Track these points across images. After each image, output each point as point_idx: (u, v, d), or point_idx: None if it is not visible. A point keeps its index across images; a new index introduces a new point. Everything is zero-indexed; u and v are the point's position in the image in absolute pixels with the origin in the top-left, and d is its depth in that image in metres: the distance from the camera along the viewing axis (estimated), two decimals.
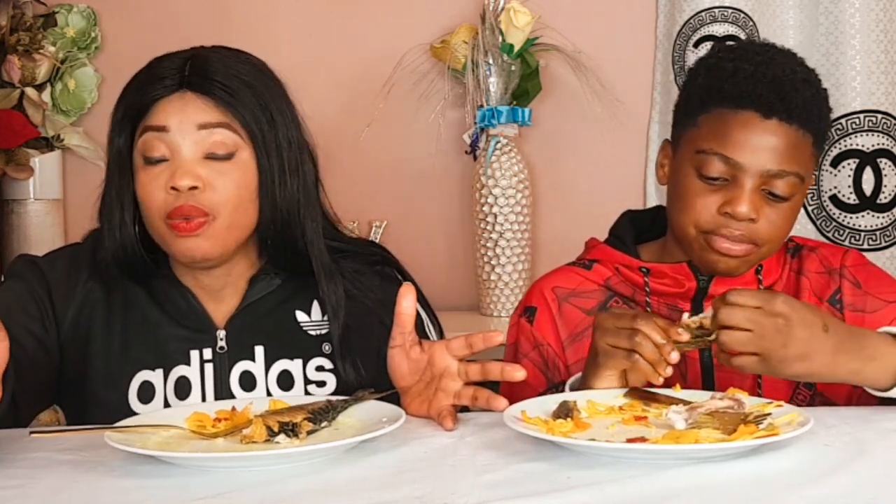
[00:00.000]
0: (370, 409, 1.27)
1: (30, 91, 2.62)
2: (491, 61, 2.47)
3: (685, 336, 1.26)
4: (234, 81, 1.39)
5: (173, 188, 1.35)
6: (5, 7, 2.58)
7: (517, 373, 1.27)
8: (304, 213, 1.44)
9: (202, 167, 1.37)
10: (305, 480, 1.06)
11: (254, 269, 1.48)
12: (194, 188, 1.35)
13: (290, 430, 1.17)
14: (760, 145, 1.39)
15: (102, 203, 1.44)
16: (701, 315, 1.29)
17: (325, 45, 2.73)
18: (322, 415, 1.22)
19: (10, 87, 2.61)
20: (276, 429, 1.16)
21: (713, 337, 1.27)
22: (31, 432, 1.19)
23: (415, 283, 1.54)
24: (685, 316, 1.30)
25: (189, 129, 1.37)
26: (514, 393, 1.47)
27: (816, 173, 2.62)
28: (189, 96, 1.38)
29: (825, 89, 1.47)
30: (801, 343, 1.23)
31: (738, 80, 1.41)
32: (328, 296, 1.45)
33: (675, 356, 1.25)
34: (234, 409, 1.26)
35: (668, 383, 1.30)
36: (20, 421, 1.33)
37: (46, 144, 2.65)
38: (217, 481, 1.06)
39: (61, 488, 1.06)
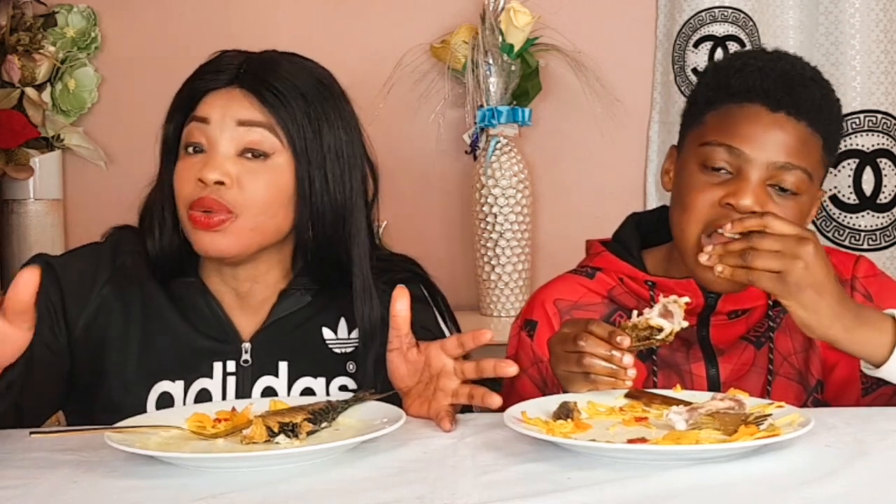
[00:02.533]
0: (370, 409, 1.27)
1: (30, 91, 2.61)
2: (491, 61, 2.47)
3: (626, 342, 1.22)
4: (285, 85, 1.39)
5: (201, 180, 1.35)
6: (5, 7, 2.58)
7: (509, 368, 1.27)
8: (350, 228, 1.42)
9: (234, 164, 1.36)
10: (305, 481, 1.06)
11: (285, 282, 1.46)
12: (220, 183, 1.35)
13: (291, 430, 1.17)
14: (767, 137, 1.35)
15: (151, 195, 1.44)
16: (646, 315, 1.26)
17: (325, 45, 2.72)
18: (322, 415, 1.22)
19: (10, 87, 2.61)
20: (276, 429, 1.16)
21: (663, 335, 1.25)
22: (31, 432, 1.19)
23: (443, 300, 1.53)
24: (634, 314, 1.27)
25: (229, 123, 1.37)
26: (512, 405, 1.47)
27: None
28: (236, 92, 1.38)
29: (837, 98, 1.44)
30: (819, 273, 1.22)
31: (746, 75, 1.39)
32: (362, 319, 1.43)
33: (627, 360, 1.22)
34: (234, 409, 1.26)
35: (668, 384, 1.30)
36: (23, 425, 1.32)
37: (46, 144, 2.65)
38: (217, 481, 1.06)
39: (61, 488, 1.06)
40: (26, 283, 1.05)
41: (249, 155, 1.37)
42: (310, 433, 1.18)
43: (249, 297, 1.44)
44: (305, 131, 1.39)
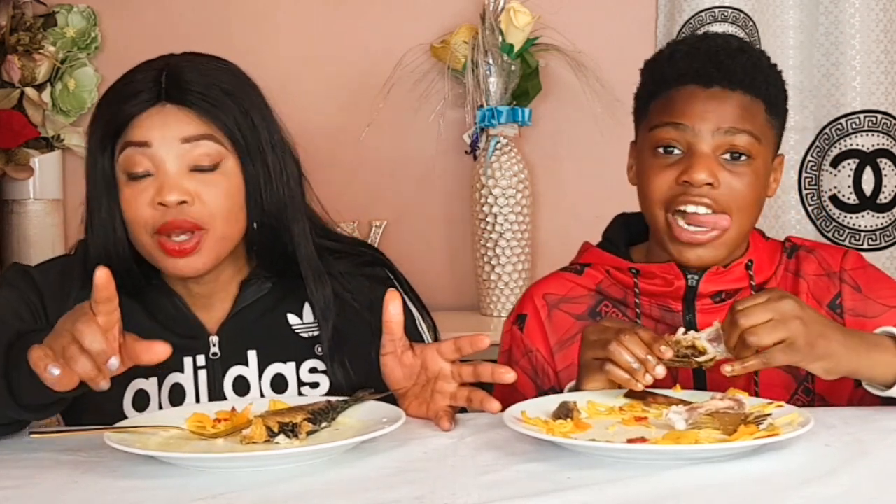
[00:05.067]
0: (370, 409, 1.27)
1: (30, 91, 2.62)
2: (491, 61, 2.48)
3: (668, 354, 1.23)
4: (213, 90, 1.38)
5: (161, 203, 1.34)
6: (5, 7, 2.58)
7: (507, 375, 1.27)
8: (291, 215, 1.43)
9: (188, 180, 1.35)
10: (305, 480, 1.06)
11: (243, 274, 1.47)
12: (183, 202, 1.34)
13: (290, 430, 1.17)
14: (707, 110, 1.40)
15: (90, 221, 1.42)
16: (694, 334, 1.26)
17: (325, 45, 2.73)
18: (322, 415, 1.22)
19: (10, 87, 2.61)
20: (275, 429, 1.16)
21: (704, 359, 1.25)
22: (31, 432, 1.19)
23: (406, 283, 1.54)
24: (680, 331, 1.28)
25: (172, 143, 1.35)
26: (506, 398, 1.47)
27: (815, 171, 2.62)
28: (168, 109, 1.36)
29: (770, 59, 1.48)
30: (816, 324, 1.24)
31: (676, 61, 1.45)
32: (316, 298, 1.44)
33: (660, 370, 1.23)
34: (233, 409, 1.26)
35: (666, 384, 1.30)
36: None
37: (46, 144, 2.65)
38: (217, 481, 1.06)
39: (61, 488, 1.06)
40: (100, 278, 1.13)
41: (199, 168, 1.36)
42: (310, 433, 1.18)
43: (211, 294, 1.45)
44: (244, 129, 1.39)
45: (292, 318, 1.47)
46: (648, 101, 1.47)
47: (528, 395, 1.49)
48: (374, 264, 1.53)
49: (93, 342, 1.09)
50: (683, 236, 1.40)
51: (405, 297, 1.52)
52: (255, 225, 1.41)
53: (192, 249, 1.35)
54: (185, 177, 1.35)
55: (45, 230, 2.61)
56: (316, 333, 1.46)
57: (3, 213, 2.62)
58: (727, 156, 1.40)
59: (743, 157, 1.41)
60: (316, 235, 1.48)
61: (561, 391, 1.44)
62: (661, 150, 1.42)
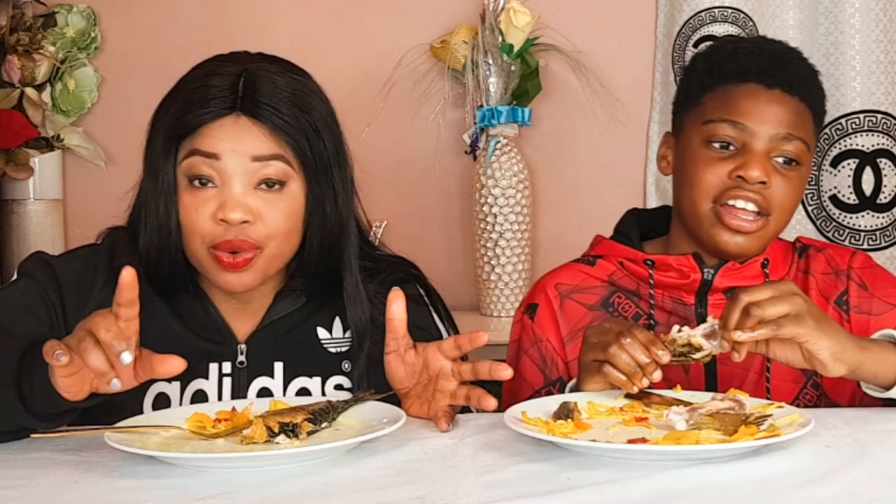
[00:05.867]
0: (370, 409, 1.27)
1: (30, 91, 2.61)
2: (491, 61, 2.48)
3: (666, 358, 1.24)
4: (289, 107, 1.34)
5: (223, 220, 1.31)
6: (5, 7, 2.58)
7: (504, 372, 1.27)
8: (345, 235, 1.41)
9: (252, 198, 1.33)
10: (305, 481, 1.06)
11: (280, 283, 1.45)
12: (245, 222, 1.32)
13: (291, 430, 1.16)
14: (767, 112, 1.42)
15: (143, 218, 1.38)
16: (689, 332, 1.26)
17: (325, 45, 2.73)
18: (322, 415, 1.22)
19: (10, 87, 2.61)
20: (276, 429, 1.16)
21: (701, 355, 1.25)
22: (32, 433, 1.19)
23: (439, 299, 1.52)
24: (675, 329, 1.28)
25: (242, 159, 1.32)
26: (513, 388, 1.48)
27: (815, 171, 2.62)
28: (243, 122, 1.32)
29: (819, 72, 1.51)
30: (820, 311, 1.25)
31: (740, 57, 1.46)
32: (354, 321, 1.42)
33: (657, 375, 1.24)
34: (234, 409, 1.26)
35: (671, 383, 1.30)
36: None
37: (46, 144, 2.65)
38: (217, 481, 1.06)
39: (61, 488, 1.06)
40: (126, 277, 1.12)
41: (264, 186, 1.34)
42: (310, 433, 1.18)
43: (247, 301, 1.43)
44: (314, 150, 1.36)
45: (322, 332, 1.46)
46: (702, 92, 1.47)
47: (537, 385, 1.51)
48: (406, 281, 1.50)
49: (108, 332, 1.09)
50: (733, 223, 1.42)
51: (436, 317, 1.51)
52: (313, 245, 1.39)
53: (244, 264, 1.33)
54: (249, 193, 1.33)
55: (45, 230, 2.61)
56: (344, 349, 1.45)
57: (3, 213, 2.62)
58: (780, 159, 1.43)
59: (794, 163, 1.43)
60: (364, 251, 1.46)
61: (569, 381, 1.45)
62: (714, 144, 1.43)
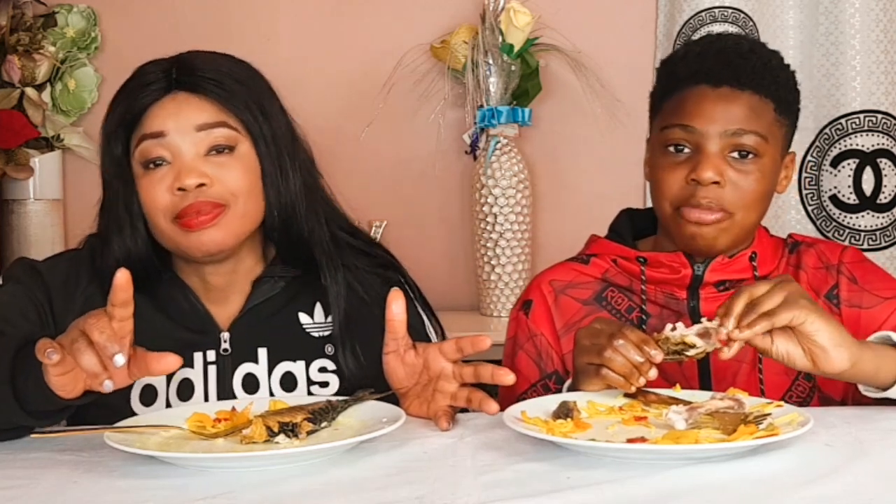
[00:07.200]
0: (370, 409, 1.27)
1: (30, 91, 2.61)
2: (491, 61, 2.48)
3: (659, 358, 1.24)
4: (224, 77, 1.39)
5: (180, 189, 1.35)
6: (5, 7, 2.58)
7: (507, 377, 1.28)
8: (307, 202, 1.45)
9: (205, 164, 1.37)
10: (305, 480, 1.06)
11: (258, 270, 1.47)
12: (202, 185, 1.35)
13: (290, 430, 1.17)
14: (715, 112, 1.44)
15: (107, 215, 1.43)
16: (682, 332, 1.27)
17: (325, 44, 2.73)
18: (322, 415, 1.22)
19: (10, 87, 2.61)
20: (275, 429, 1.16)
21: (694, 352, 1.26)
22: (32, 432, 1.19)
23: (417, 288, 1.55)
24: (668, 328, 1.28)
25: (187, 130, 1.37)
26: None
27: (815, 171, 2.62)
28: (181, 96, 1.37)
29: (782, 59, 1.51)
30: (814, 303, 1.26)
31: (688, 61, 1.49)
32: (330, 284, 1.45)
33: (653, 374, 1.25)
34: (234, 409, 1.26)
35: (667, 378, 1.30)
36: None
37: (46, 144, 2.65)
38: (217, 481, 1.06)
39: (61, 488, 1.06)
40: (120, 279, 1.13)
41: (214, 152, 1.38)
42: (310, 433, 1.18)
43: (225, 287, 1.45)
44: (256, 116, 1.40)
45: (304, 318, 1.48)
46: (661, 99, 1.51)
47: (532, 379, 1.53)
48: (388, 267, 1.54)
49: (101, 333, 1.09)
50: (693, 215, 1.44)
51: (415, 301, 1.53)
52: (272, 210, 1.42)
53: (210, 220, 1.35)
54: (201, 161, 1.37)
55: (45, 230, 2.61)
56: (326, 333, 1.47)
57: (3, 213, 2.62)
58: (735, 154, 1.44)
59: (750, 156, 1.44)
60: (335, 226, 1.49)
61: (564, 375, 1.45)
62: (671, 148, 1.47)
